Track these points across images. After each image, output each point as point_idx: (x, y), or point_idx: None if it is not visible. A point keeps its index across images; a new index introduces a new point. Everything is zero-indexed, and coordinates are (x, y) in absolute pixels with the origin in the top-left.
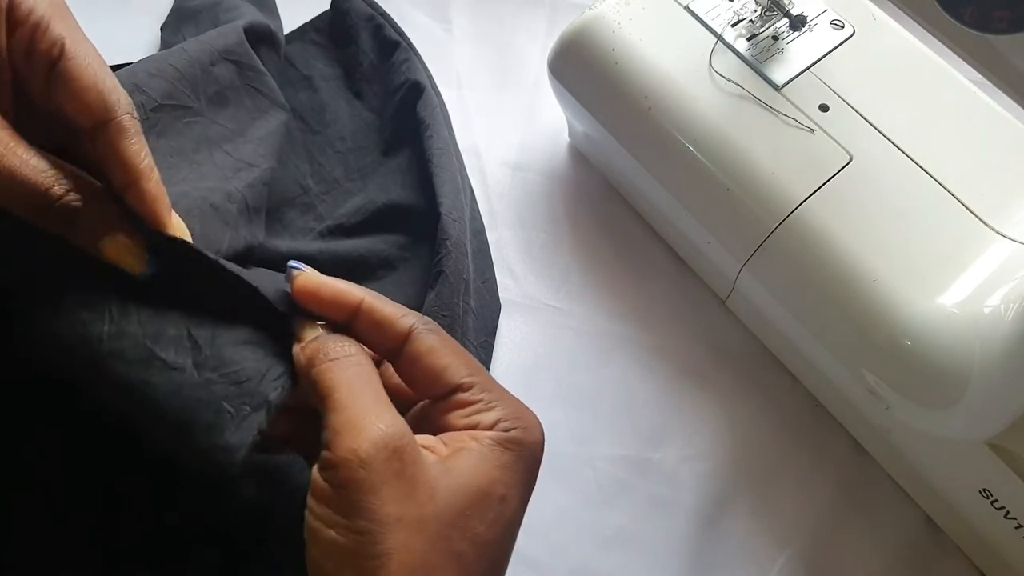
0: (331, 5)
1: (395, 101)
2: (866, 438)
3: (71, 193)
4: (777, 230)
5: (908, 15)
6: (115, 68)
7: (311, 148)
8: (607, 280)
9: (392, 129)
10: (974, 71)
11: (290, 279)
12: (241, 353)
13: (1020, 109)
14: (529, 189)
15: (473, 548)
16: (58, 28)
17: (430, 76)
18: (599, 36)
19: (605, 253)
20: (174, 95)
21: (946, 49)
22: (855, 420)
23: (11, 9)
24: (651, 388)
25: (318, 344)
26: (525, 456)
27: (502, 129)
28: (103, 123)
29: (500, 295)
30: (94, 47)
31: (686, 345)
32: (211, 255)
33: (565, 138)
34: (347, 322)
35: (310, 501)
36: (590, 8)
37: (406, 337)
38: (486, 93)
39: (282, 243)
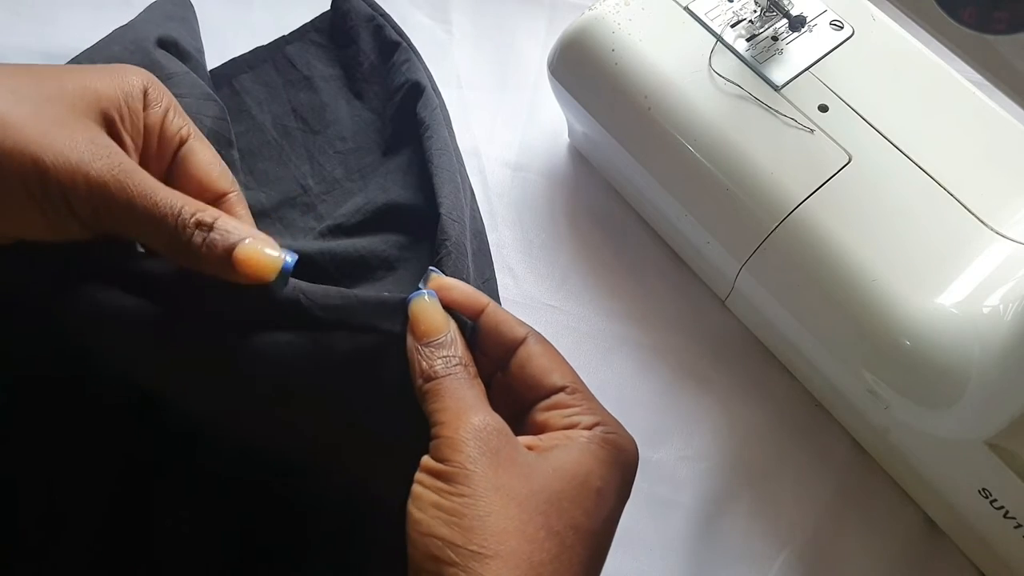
0: (331, 5)
1: (395, 101)
2: (866, 438)
3: (197, 215)
4: (776, 230)
5: (907, 16)
6: None
7: (311, 148)
8: (607, 280)
9: (392, 129)
10: (974, 71)
11: (426, 281)
12: None
13: (1019, 109)
14: (529, 189)
15: (574, 533)
16: (181, 116)
17: (430, 76)
18: (599, 37)
19: (605, 253)
20: None
21: (946, 49)
22: (855, 420)
23: (145, 94)
24: (650, 388)
25: (427, 363)
26: (621, 461)
27: (502, 129)
28: (220, 198)
29: (500, 295)
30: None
31: (685, 345)
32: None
33: (565, 138)
34: (473, 321)
35: (417, 476)
36: (590, 9)
37: (521, 341)
38: (486, 93)
39: (282, 243)
